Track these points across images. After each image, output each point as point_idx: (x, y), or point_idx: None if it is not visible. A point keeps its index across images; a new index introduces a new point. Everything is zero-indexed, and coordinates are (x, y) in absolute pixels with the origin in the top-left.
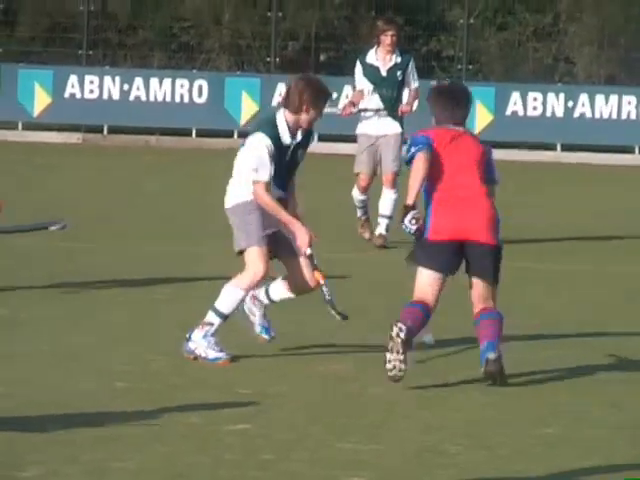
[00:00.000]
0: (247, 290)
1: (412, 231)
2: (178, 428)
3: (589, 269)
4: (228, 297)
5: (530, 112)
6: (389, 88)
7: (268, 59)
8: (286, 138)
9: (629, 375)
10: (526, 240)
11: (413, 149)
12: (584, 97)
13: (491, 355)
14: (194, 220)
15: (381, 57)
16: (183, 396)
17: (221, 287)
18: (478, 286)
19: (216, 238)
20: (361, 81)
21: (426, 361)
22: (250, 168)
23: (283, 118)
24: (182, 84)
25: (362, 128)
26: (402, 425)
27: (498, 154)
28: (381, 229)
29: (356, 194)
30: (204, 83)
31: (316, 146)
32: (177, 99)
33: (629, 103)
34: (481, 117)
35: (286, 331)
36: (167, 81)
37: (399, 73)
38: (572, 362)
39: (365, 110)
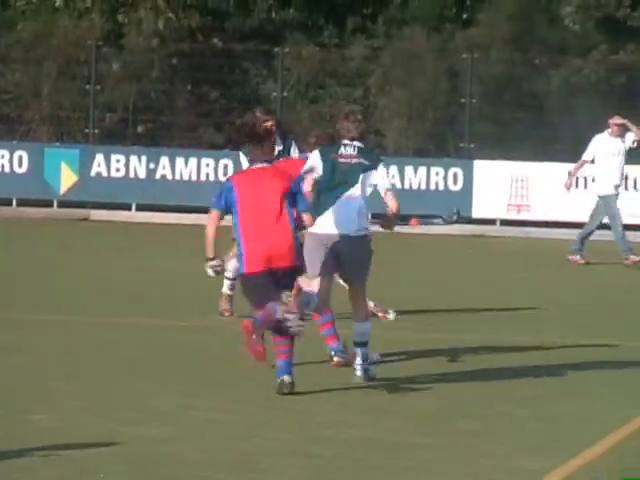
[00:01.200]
0: None
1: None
2: None
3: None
4: None
5: None
6: None
7: (87, 130)
8: None
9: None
10: None
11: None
12: (393, 169)
13: (286, 377)
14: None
15: None
16: None
17: None
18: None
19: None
20: None
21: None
22: None
23: None
24: (2, 154)
25: None
26: None
27: None
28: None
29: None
30: (24, 154)
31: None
32: None
33: (437, 174)
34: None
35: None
36: None
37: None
38: None
39: None
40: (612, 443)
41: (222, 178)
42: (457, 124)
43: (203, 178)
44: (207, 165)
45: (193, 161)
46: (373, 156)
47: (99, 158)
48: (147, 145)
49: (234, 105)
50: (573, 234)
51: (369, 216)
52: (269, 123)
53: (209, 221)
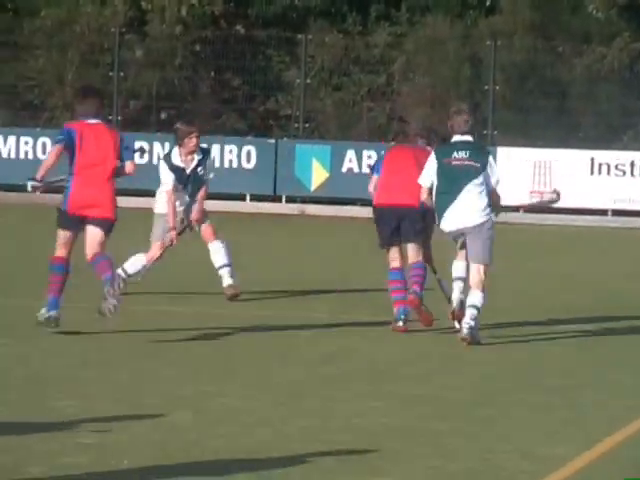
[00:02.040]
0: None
1: None
2: None
3: None
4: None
5: (365, 169)
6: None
7: (110, 117)
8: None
9: None
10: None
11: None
12: None
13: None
14: None
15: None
16: None
17: None
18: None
19: None
20: None
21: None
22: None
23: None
24: (26, 141)
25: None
26: None
27: (333, 210)
28: (227, 280)
29: None
30: (47, 140)
31: None
32: (22, 156)
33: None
34: (317, 174)
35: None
36: (11, 138)
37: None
38: None
39: None
40: (635, 430)
41: (245, 165)
42: (480, 111)
43: (227, 165)
44: (230, 152)
45: (216, 147)
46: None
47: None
48: (170, 132)
49: (257, 92)
50: (596, 221)
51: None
52: (194, 135)
53: (51, 152)
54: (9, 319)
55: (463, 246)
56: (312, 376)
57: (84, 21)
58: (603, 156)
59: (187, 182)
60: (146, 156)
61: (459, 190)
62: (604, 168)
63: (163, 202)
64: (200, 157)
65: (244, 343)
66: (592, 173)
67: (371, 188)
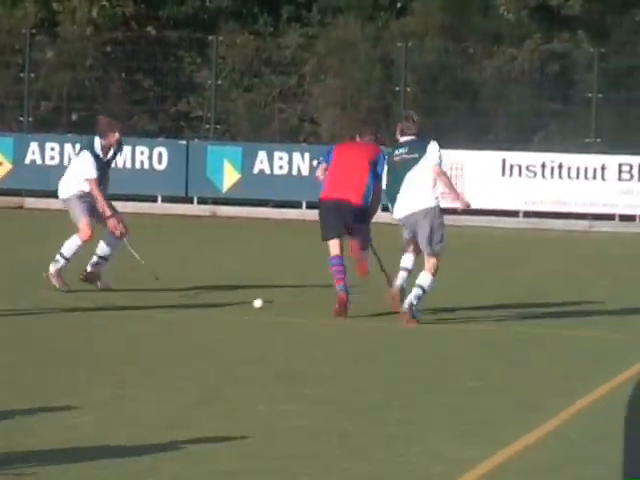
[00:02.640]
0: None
1: None
2: None
3: None
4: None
5: (276, 171)
6: None
7: (21, 118)
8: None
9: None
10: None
11: None
12: None
13: None
14: None
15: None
16: None
17: None
18: None
19: None
20: None
21: None
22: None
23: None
24: None
25: None
26: None
27: (245, 211)
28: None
29: None
30: None
31: None
32: None
33: None
34: (229, 175)
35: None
36: None
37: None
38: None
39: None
40: (544, 432)
41: (156, 166)
42: (391, 112)
43: (138, 166)
44: (142, 153)
45: (127, 149)
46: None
47: (33, 146)
48: (81, 133)
49: (168, 93)
50: (505, 222)
51: None
52: (117, 129)
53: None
54: None
55: (412, 237)
56: (226, 378)
57: None
58: (514, 157)
59: (103, 171)
60: (57, 157)
61: (401, 181)
62: (515, 169)
63: (70, 187)
64: (116, 148)
65: (156, 344)
66: (503, 174)
67: (319, 173)
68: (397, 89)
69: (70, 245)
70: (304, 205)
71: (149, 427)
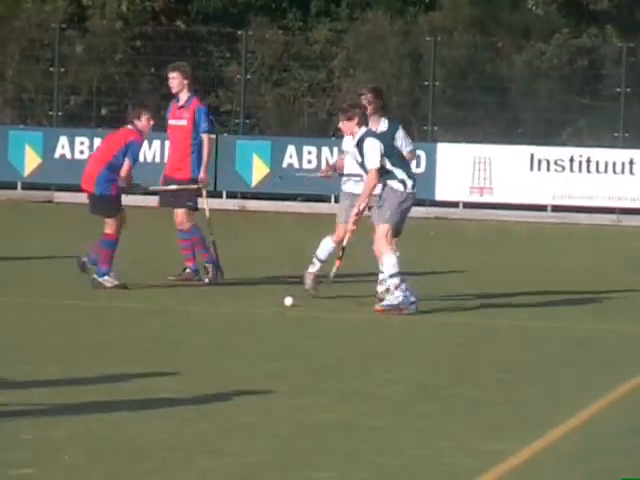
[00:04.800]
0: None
1: None
2: None
3: None
4: None
5: (305, 165)
6: None
7: (51, 112)
8: None
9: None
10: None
11: None
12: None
13: None
14: None
15: None
16: None
17: None
18: None
19: None
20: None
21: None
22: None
23: None
24: None
25: None
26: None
27: (275, 206)
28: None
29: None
30: None
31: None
32: None
33: None
34: (258, 170)
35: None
36: None
37: None
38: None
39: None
40: (574, 425)
41: None
42: (420, 107)
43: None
44: None
45: (157, 143)
46: None
47: (63, 140)
48: (111, 127)
49: (197, 88)
50: (533, 216)
51: None
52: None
53: None
54: None
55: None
56: (252, 371)
57: (24, 17)
58: (542, 152)
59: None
60: (86, 151)
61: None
62: (543, 164)
63: None
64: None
65: (185, 337)
66: (532, 169)
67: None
68: (426, 83)
69: (324, 247)
70: (332, 199)
71: (180, 419)
